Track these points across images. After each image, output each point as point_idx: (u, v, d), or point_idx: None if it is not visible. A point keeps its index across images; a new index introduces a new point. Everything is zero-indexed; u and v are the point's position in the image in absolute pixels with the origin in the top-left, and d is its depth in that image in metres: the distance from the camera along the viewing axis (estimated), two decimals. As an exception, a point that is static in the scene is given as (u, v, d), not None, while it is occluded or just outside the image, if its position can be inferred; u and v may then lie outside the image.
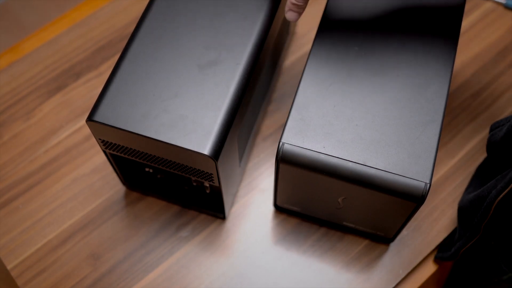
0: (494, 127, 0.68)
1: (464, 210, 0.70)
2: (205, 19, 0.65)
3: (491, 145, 0.68)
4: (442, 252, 0.74)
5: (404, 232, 0.77)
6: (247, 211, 0.78)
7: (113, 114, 0.59)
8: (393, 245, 0.76)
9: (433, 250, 0.76)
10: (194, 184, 0.74)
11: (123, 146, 0.63)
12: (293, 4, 0.63)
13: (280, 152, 0.60)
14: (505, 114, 0.85)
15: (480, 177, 0.76)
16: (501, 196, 0.60)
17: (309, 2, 0.94)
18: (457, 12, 0.67)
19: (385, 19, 0.66)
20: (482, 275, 0.72)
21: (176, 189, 0.77)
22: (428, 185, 0.57)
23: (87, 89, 0.87)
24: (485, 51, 0.91)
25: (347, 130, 0.60)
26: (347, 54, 0.64)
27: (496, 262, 0.69)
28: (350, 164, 0.58)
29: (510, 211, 0.64)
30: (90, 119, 0.59)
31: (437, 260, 0.76)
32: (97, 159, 0.82)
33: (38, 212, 0.78)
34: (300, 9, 0.63)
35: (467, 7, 0.95)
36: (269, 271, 0.74)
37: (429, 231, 0.77)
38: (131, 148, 0.63)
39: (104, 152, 0.68)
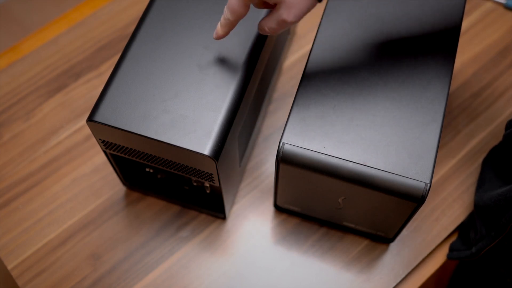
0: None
1: (487, 209, 0.68)
2: (205, 19, 0.65)
3: (511, 141, 0.67)
4: (457, 251, 0.73)
5: (404, 232, 0.77)
6: (247, 211, 0.78)
7: (113, 114, 0.59)
8: (393, 245, 0.76)
9: (434, 250, 0.76)
10: (194, 184, 0.74)
11: (123, 146, 0.63)
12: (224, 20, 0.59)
13: (280, 152, 0.60)
14: (505, 114, 0.85)
15: (493, 171, 0.74)
16: None
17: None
18: (457, 13, 0.67)
19: (385, 19, 0.66)
20: (493, 275, 0.72)
21: (176, 189, 0.77)
22: (428, 185, 0.57)
23: (87, 89, 0.87)
24: (485, 51, 0.91)
25: (347, 130, 0.60)
26: (347, 54, 0.64)
27: (510, 262, 0.68)
28: (350, 164, 0.58)
29: None
30: (90, 119, 0.59)
31: (434, 256, 0.75)
32: (97, 159, 0.82)
33: (38, 212, 0.78)
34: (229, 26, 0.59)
35: (467, 7, 0.95)
36: (269, 271, 0.74)
37: (429, 231, 0.77)
38: (131, 148, 0.63)
39: (104, 152, 0.68)
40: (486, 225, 0.68)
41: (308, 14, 0.93)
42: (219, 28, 0.59)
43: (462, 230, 0.76)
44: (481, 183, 0.76)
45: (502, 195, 0.64)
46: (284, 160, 0.60)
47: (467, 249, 0.71)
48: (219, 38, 0.59)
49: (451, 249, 0.75)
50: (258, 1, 0.54)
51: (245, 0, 0.54)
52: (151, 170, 0.75)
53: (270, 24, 0.56)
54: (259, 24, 0.58)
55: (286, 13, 0.53)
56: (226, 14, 0.57)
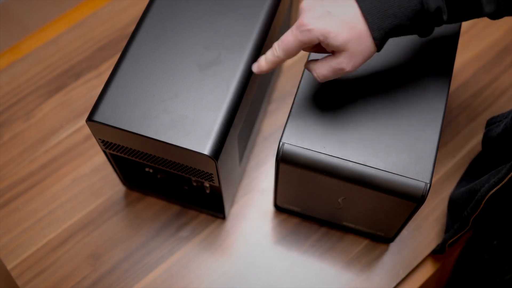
0: (491, 123, 0.68)
1: (455, 203, 0.70)
2: (205, 19, 0.65)
3: (487, 140, 0.68)
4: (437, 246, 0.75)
5: (404, 232, 0.77)
6: (247, 211, 0.78)
7: (113, 114, 0.59)
8: (393, 245, 0.76)
9: (433, 250, 0.76)
10: (194, 184, 0.74)
11: (123, 146, 0.63)
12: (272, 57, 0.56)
13: (280, 152, 0.60)
14: (505, 114, 0.85)
15: (472, 171, 0.76)
16: (493, 191, 0.60)
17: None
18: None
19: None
20: (485, 275, 0.72)
21: (176, 189, 0.77)
22: (428, 185, 0.57)
23: (87, 89, 0.87)
24: (485, 51, 0.91)
25: (347, 130, 0.60)
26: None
27: (499, 261, 0.69)
28: (350, 164, 0.58)
29: (501, 206, 0.64)
30: (90, 119, 0.59)
31: (437, 257, 0.76)
32: (97, 159, 0.82)
33: (38, 212, 0.78)
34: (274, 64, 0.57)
35: (467, 7, 0.95)
36: (269, 271, 0.74)
37: (429, 231, 0.77)
38: (131, 148, 0.63)
39: (104, 152, 0.68)
40: (453, 219, 0.69)
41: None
42: (263, 63, 0.56)
43: None
44: (459, 182, 0.77)
45: (468, 189, 0.65)
46: (284, 160, 0.60)
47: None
48: (261, 72, 0.57)
49: (437, 246, 0.76)
50: (314, 45, 0.51)
51: (303, 44, 0.52)
52: (151, 170, 0.75)
53: (323, 71, 0.53)
54: (308, 67, 0.55)
55: (346, 62, 0.51)
56: (277, 51, 0.54)
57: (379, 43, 0.51)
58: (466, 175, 0.78)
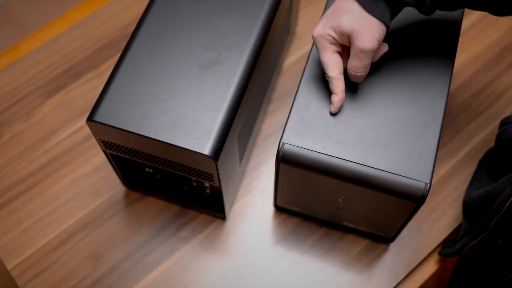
0: (505, 122, 0.67)
1: (472, 206, 0.69)
2: (205, 19, 0.65)
3: (503, 141, 0.67)
4: (446, 248, 0.74)
5: (404, 232, 0.77)
6: (247, 211, 0.78)
7: (113, 114, 0.59)
8: (393, 245, 0.76)
9: (434, 250, 0.76)
10: (194, 184, 0.74)
11: (123, 146, 0.63)
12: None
13: (280, 152, 0.60)
14: (506, 114, 0.85)
15: (486, 171, 0.75)
16: None
17: (309, 2, 0.95)
18: (457, 13, 0.67)
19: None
20: (489, 273, 0.72)
21: (176, 189, 0.77)
22: (428, 185, 0.57)
23: (87, 89, 0.87)
24: (485, 51, 0.91)
25: (347, 130, 0.60)
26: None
27: (504, 260, 0.69)
28: (350, 164, 0.58)
29: None
30: (90, 119, 0.59)
31: (441, 257, 0.76)
32: (97, 159, 0.82)
33: (38, 212, 0.78)
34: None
35: (467, 7, 0.95)
36: (269, 271, 0.74)
37: (429, 231, 0.77)
38: (131, 148, 0.63)
39: (104, 152, 0.68)
40: (471, 223, 0.68)
41: (308, 14, 0.94)
42: (336, 100, 0.60)
43: (456, 228, 0.77)
44: (472, 182, 0.77)
45: (487, 192, 0.64)
46: (284, 160, 0.60)
47: (454, 246, 0.71)
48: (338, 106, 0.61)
49: (443, 247, 0.75)
50: (340, 48, 0.56)
51: (330, 47, 0.57)
52: (151, 170, 0.75)
53: (352, 63, 0.57)
54: (348, 73, 0.59)
55: (360, 42, 0.54)
56: (328, 72, 0.59)
57: (378, 13, 0.54)
58: (478, 175, 0.77)
